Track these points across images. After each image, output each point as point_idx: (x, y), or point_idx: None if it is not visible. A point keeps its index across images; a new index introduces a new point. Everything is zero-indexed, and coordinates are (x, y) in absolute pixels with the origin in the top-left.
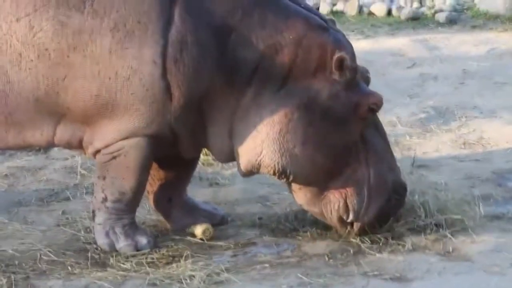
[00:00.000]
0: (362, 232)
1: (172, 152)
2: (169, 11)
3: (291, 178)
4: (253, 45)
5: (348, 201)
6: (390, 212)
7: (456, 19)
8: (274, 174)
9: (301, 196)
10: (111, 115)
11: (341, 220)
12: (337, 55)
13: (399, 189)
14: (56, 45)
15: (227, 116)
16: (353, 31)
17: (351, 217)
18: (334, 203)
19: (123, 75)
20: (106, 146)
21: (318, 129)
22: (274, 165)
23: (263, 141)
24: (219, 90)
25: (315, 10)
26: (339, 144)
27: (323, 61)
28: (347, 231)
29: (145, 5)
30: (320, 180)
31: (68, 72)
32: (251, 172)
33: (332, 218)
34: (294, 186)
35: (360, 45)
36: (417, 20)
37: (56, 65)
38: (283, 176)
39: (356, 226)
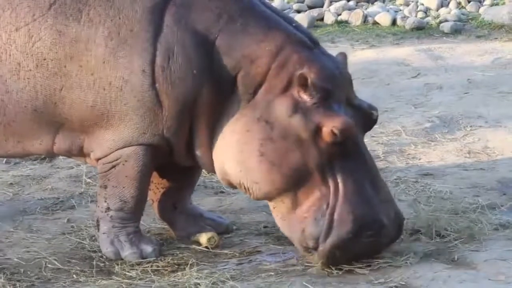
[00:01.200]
0: (325, 262)
1: (169, 160)
2: (159, 19)
3: (250, 192)
4: (233, 53)
5: (308, 227)
6: (360, 248)
7: (461, 29)
8: (235, 185)
9: (274, 215)
10: (107, 125)
11: (302, 245)
12: (299, 71)
13: (373, 226)
14: (54, 55)
15: (211, 125)
16: (357, 41)
17: (310, 244)
18: (297, 226)
19: (116, 86)
20: (105, 156)
21: (276, 146)
22: (232, 174)
23: (223, 149)
24: (206, 99)
25: (306, 30)
26: (300, 166)
27: (294, 78)
28: (310, 256)
29: (138, 14)
30: (284, 201)
31: (65, 83)
32: (228, 182)
33: (295, 242)
34: (269, 204)
35: (365, 54)
36: (421, 30)
37: (53, 75)
38: (243, 189)
39: (317, 253)
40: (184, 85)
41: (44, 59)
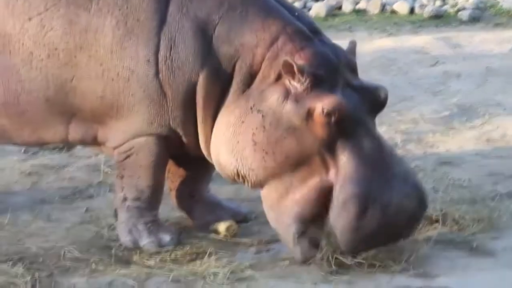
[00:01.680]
0: (330, 247)
1: (182, 151)
2: (165, 7)
3: (247, 180)
4: (232, 41)
5: (303, 214)
6: (366, 231)
7: (479, 17)
8: (231, 176)
9: (264, 203)
10: (117, 115)
11: (295, 235)
12: (283, 59)
13: (376, 206)
14: (64, 45)
15: (213, 116)
16: (376, 29)
17: (299, 228)
18: (289, 214)
19: (123, 76)
20: (119, 145)
21: (269, 134)
22: (228, 166)
23: (220, 141)
24: (207, 88)
25: (308, 19)
26: (296, 152)
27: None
28: (294, 249)
29: (145, 3)
30: (277, 186)
31: (75, 73)
32: (225, 174)
33: (286, 232)
34: (261, 192)
35: (383, 43)
36: (440, 18)
37: (64, 65)
38: (239, 179)
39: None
40: (184, 74)
41: (56, 49)
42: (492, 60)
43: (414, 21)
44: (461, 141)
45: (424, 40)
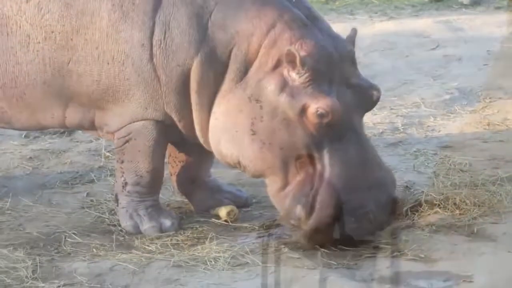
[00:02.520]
0: (305, 243)
1: (180, 137)
2: None
3: (247, 170)
4: (228, 28)
5: (290, 206)
6: (342, 232)
7: (480, 0)
8: (232, 164)
9: (268, 192)
10: (113, 100)
11: (286, 223)
12: (287, 48)
13: (356, 211)
14: (61, 28)
15: (207, 103)
16: (376, 12)
17: (292, 222)
18: (283, 205)
19: (118, 60)
20: (117, 130)
21: (266, 125)
22: (229, 155)
23: (219, 130)
24: (201, 74)
25: (306, 6)
26: (289, 145)
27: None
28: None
29: None
30: (275, 179)
31: (72, 56)
32: (225, 161)
33: (281, 217)
34: (265, 181)
35: (384, 26)
36: (440, 1)
37: (61, 48)
38: (239, 167)
39: (299, 234)
40: (178, 59)
41: (52, 32)
42: (493, 44)
43: (415, 4)
44: (462, 125)
45: (425, 23)
